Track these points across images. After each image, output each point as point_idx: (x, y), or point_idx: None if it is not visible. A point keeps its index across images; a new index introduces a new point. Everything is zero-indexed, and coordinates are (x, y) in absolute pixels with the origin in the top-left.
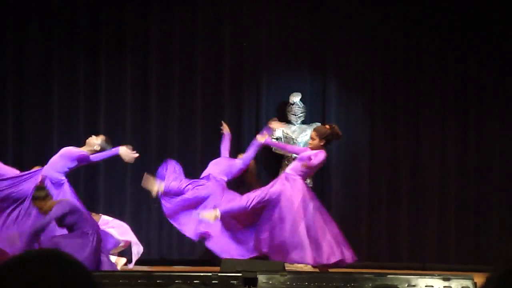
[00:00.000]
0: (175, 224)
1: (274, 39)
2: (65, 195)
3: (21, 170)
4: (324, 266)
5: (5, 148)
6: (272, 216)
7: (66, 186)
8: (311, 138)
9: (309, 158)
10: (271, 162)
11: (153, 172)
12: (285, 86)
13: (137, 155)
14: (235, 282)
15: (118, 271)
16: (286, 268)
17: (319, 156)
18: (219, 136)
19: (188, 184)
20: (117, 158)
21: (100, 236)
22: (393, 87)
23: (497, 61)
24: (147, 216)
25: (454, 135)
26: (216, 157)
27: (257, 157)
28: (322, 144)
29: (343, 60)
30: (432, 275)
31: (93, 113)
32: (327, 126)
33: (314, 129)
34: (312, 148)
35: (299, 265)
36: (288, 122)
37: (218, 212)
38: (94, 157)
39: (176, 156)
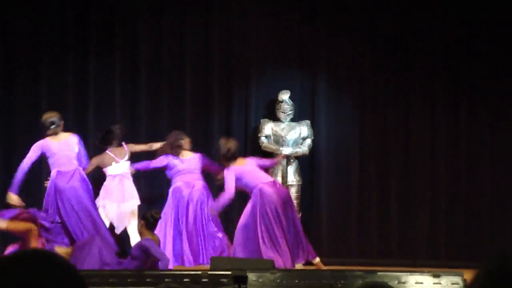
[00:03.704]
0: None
1: (263, 36)
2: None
3: (9, 171)
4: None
5: None
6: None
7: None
8: None
9: None
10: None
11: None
12: (274, 84)
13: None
14: (225, 280)
15: (107, 270)
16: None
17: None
18: (208, 134)
19: None
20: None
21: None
22: (382, 84)
23: (487, 56)
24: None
25: (445, 131)
26: (204, 153)
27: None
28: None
29: (332, 57)
30: (422, 272)
31: (82, 113)
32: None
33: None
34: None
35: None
36: (277, 119)
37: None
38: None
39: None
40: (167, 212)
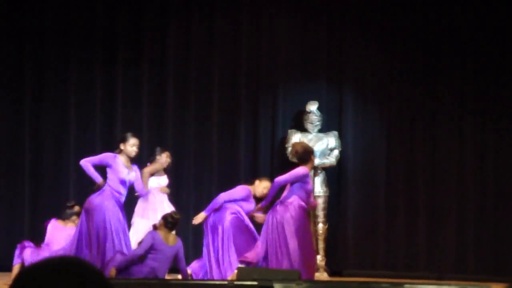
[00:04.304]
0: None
1: (292, 48)
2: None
3: (37, 177)
4: None
5: (22, 155)
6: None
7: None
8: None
9: None
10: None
11: (169, 179)
12: (302, 95)
13: None
14: None
15: (133, 279)
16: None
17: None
18: (235, 144)
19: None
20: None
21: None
22: (409, 96)
23: None
24: None
25: (472, 144)
26: (232, 164)
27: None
28: None
29: (360, 70)
30: (449, 285)
31: (110, 122)
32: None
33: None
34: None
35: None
36: (305, 130)
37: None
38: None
39: (192, 163)
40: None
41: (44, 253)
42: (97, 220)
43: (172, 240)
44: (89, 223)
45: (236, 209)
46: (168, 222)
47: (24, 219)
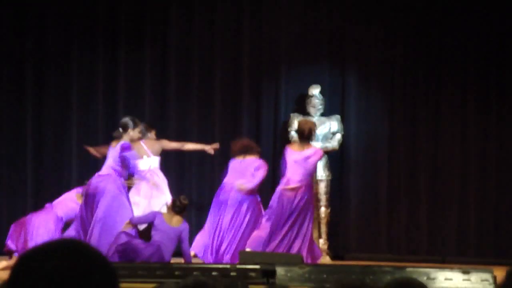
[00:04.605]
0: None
1: (294, 31)
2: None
3: (40, 159)
4: None
5: (24, 137)
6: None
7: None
8: None
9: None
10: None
11: (172, 165)
12: (304, 79)
13: None
14: (253, 274)
15: (136, 263)
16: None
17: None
18: (238, 128)
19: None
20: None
21: None
22: (412, 79)
23: None
24: None
25: (475, 127)
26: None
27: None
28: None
29: (362, 53)
30: (451, 268)
31: (112, 105)
32: None
33: None
34: None
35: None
36: (307, 114)
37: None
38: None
39: None
40: None
41: (47, 215)
42: (100, 204)
43: (175, 222)
44: (90, 207)
45: (258, 200)
46: (175, 205)
47: (27, 206)
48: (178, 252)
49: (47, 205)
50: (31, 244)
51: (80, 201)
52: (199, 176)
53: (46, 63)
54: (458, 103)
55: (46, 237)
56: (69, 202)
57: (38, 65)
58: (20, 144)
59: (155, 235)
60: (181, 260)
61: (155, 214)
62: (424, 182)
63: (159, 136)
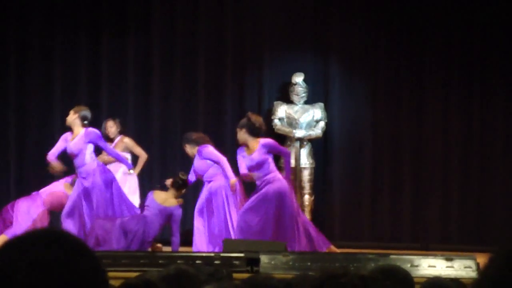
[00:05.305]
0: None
1: (277, 18)
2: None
3: (22, 151)
4: None
5: (6, 128)
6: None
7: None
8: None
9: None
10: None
11: (156, 152)
12: (288, 66)
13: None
14: (237, 262)
15: (120, 251)
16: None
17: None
18: (221, 116)
19: None
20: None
21: None
22: (395, 67)
23: (500, 38)
24: None
25: (457, 116)
26: (217, 136)
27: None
28: (246, 135)
29: (345, 40)
30: (434, 255)
31: (95, 95)
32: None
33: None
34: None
35: None
36: (291, 102)
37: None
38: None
39: (179, 137)
40: None
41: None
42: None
43: (168, 201)
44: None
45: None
46: (177, 182)
47: (10, 195)
48: (167, 241)
49: (34, 193)
50: (13, 229)
51: (68, 191)
52: (183, 166)
53: (28, 53)
54: (441, 89)
55: (26, 225)
56: (57, 191)
57: (20, 55)
58: (2, 132)
59: (146, 212)
60: (169, 249)
61: (147, 194)
62: (408, 169)
63: (143, 125)
